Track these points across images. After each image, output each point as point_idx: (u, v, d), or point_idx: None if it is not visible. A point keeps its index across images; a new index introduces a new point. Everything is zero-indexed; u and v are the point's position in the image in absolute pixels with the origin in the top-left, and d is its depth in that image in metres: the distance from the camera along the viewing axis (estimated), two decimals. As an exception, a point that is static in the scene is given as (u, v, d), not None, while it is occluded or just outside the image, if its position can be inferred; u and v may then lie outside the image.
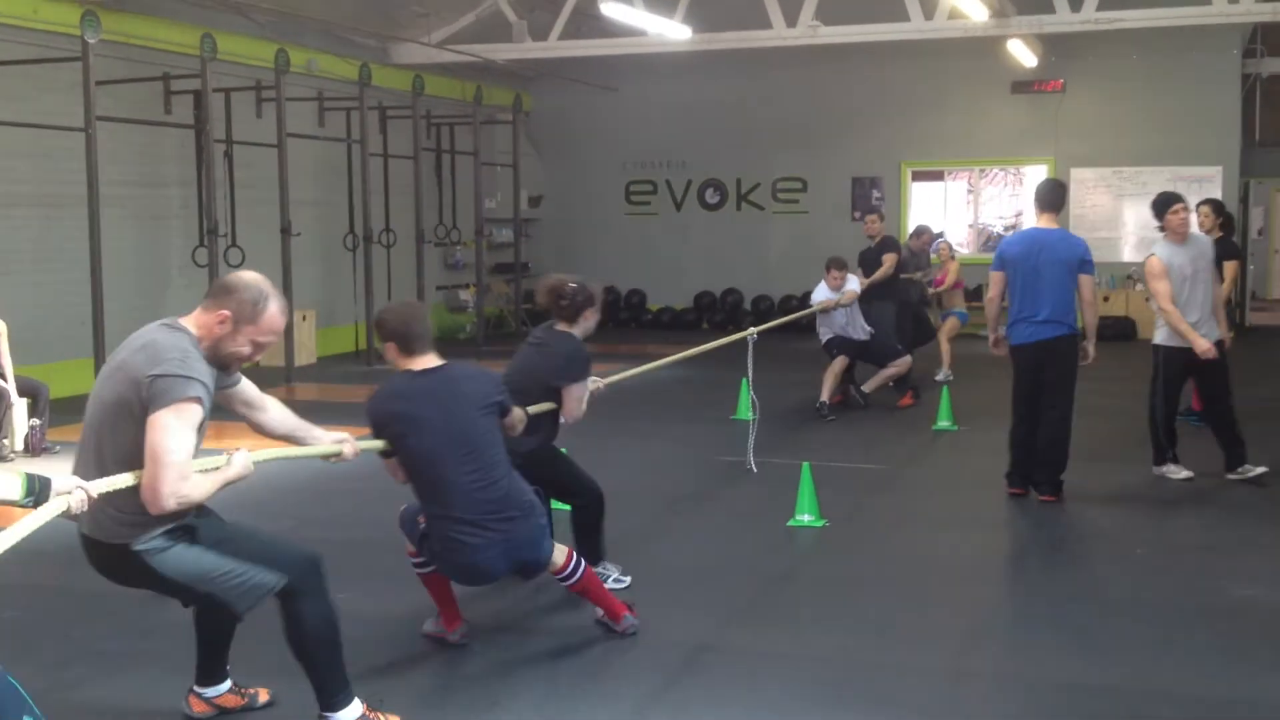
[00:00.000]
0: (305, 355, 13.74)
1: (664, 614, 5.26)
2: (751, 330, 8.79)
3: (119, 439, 3.53)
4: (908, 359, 10.77)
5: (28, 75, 10.73)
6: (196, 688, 4.15)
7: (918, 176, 17.85)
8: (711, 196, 18.75)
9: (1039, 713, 4.30)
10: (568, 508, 5.64)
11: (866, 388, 10.75)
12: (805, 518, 6.71)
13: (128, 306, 11.22)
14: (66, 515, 3.29)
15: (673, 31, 13.76)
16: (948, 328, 12.37)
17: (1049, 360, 7.12)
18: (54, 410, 9.06)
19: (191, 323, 3.71)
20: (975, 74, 16.87)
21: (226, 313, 3.67)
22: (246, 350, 3.73)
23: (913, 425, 9.98)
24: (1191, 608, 5.32)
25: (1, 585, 4.89)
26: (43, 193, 11.22)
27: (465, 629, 4.85)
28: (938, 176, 17.88)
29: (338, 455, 4.26)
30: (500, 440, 4.65)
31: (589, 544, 5.53)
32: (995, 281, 7.33)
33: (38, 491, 3.21)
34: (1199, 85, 16.30)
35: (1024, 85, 16.99)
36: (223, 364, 3.74)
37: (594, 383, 5.74)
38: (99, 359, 10.70)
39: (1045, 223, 7.26)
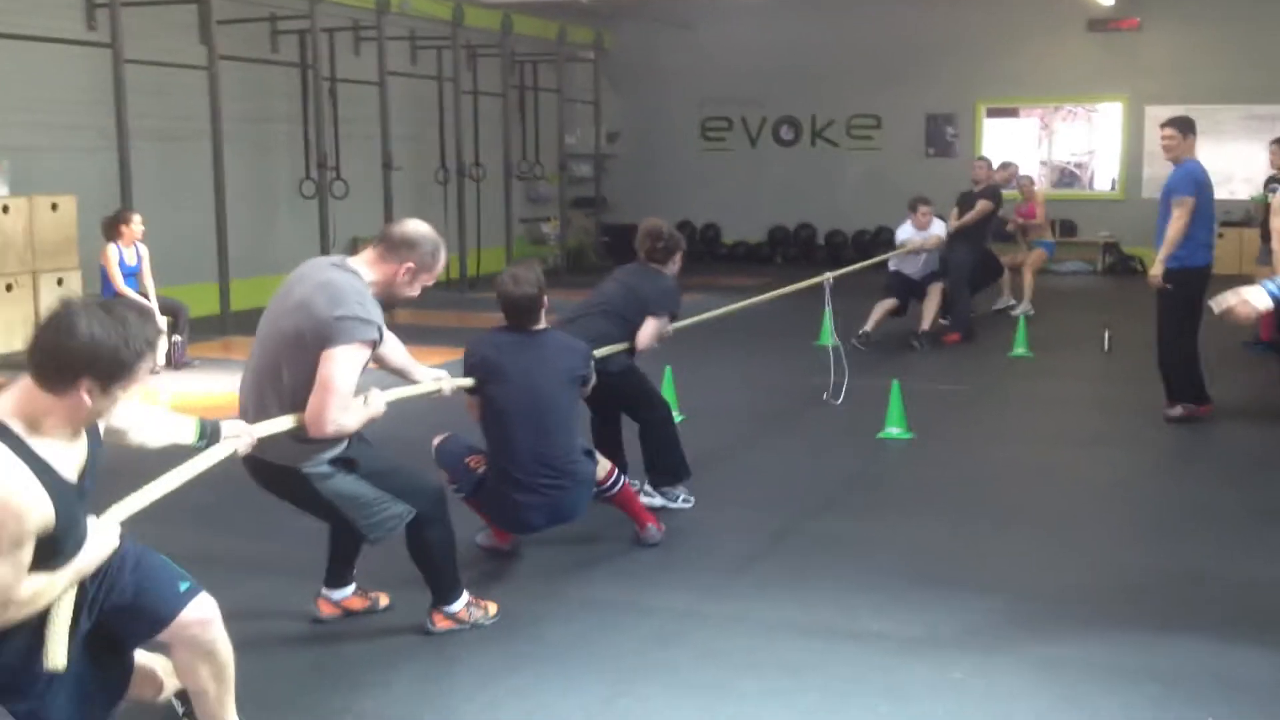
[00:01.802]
0: (402, 284, 14.41)
1: (756, 506, 5.89)
2: (828, 275, 8.88)
3: (296, 368, 3.85)
4: (939, 285, 10.70)
5: (146, 15, 11.29)
6: (325, 590, 4.52)
7: (992, 113, 18.09)
8: (786, 133, 19.12)
9: (1116, 586, 4.89)
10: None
11: (921, 328, 10.59)
12: (894, 430, 7.26)
13: (242, 235, 11.94)
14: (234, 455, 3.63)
15: (756, -29, 14.11)
16: (1033, 259, 12.47)
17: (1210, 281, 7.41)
18: (190, 329, 9.83)
19: (364, 265, 4.00)
20: (1051, 12, 17.05)
21: (411, 264, 4.01)
22: (416, 293, 4.10)
23: (988, 353, 10.44)
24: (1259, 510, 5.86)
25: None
26: (161, 128, 11.85)
27: (518, 539, 5.20)
28: (1012, 114, 18.10)
29: (438, 391, 4.69)
30: (575, 413, 4.98)
31: (671, 459, 5.83)
32: (1192, 208, 7.39)
33: (209, 435, 3.57)
34: (1275, 22, 16.38)
35: (1099, 23, 17.14)
36: (390, 305, 4.05)
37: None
38: (223, 283, 11.43)
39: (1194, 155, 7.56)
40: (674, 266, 6.04)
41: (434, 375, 4.71)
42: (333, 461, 4.03)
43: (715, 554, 5.23)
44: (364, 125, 13.65)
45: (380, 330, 3.94)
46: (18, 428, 2.85)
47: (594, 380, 5.13)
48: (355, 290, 3.90)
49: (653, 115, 19.43)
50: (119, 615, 3.11)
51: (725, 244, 19.18)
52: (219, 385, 8.62)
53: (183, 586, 3.22)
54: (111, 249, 9.45)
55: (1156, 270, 7.54)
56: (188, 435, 3.56)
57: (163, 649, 3.30)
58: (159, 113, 11.72)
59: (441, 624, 4.38)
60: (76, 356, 2.81)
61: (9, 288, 9.93)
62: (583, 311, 5.94)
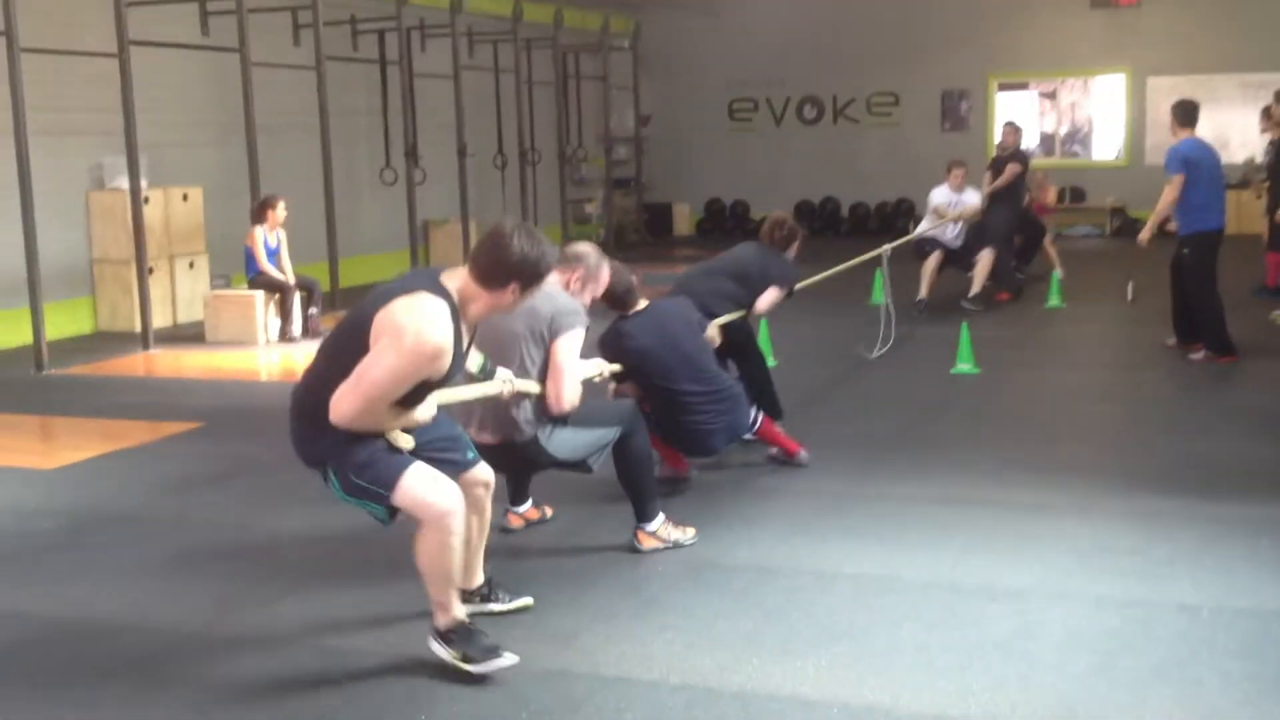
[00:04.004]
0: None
1: (867, 422, 7.19)
2: (886, 247, 9.67)
3: (534, 358, 4.72)
4: (990, 253, 11.42)
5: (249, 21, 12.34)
6: (511, 506, 5.37)
7: (1002, 87, 19.32)
8: (809, 112, 20.34)
9: (1167, 464, 6.20)
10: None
11: (972, 293, 11.39)
12: (964, 366, 8.50)
13: (338, 218, 13.10)
14: (499, 396, 4.41)
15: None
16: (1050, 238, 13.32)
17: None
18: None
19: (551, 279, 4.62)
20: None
21: (581, 272, 5.06)
22: (587, 301, 5.02)
23: (1028, 305, 11.67)
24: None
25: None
26: (266, 123, 12.86)
27: (692, 466, 6.13)
28: (1021, 87, 19.34)
29: (599, 375, 5.35)
30: (709, 350, 5.99)
31: (772, 400, 6.77)
32: (1180, 184, 8.43)
33: (488, 370, 4.41)
34: (1269, -4, 17.63)
35: (1103, 1, 18.38)
36: None
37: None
38: (333, 262, 12.60)
39: (1192, 135, 8.63)
40: (792, 252, 7.14)
41: (595, 364, 5.34)
42: (550, 420, 4.81)
43: (846, 456, 6.48)
44: (431, 116, 14.81)
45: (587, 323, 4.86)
46: (456, 302, 3.75)
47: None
48: (557, 289, 4.85)
49: (683, 99, 20.63)
50: (431, 453, 4.01)
51: (754, 219, 20.35)
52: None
53: (469, 455, 4.17)
54: (258, 231, 10.53)
55: (1145, 235, 8.70)
56: (474, 364, 4.48)
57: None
58: (263, 109, 12.83)
59: (648, 543, 5.01)
60: (512, 265, 3.71)
61: (150, 271, 11.07)
62: (713, 269, 7.04)
